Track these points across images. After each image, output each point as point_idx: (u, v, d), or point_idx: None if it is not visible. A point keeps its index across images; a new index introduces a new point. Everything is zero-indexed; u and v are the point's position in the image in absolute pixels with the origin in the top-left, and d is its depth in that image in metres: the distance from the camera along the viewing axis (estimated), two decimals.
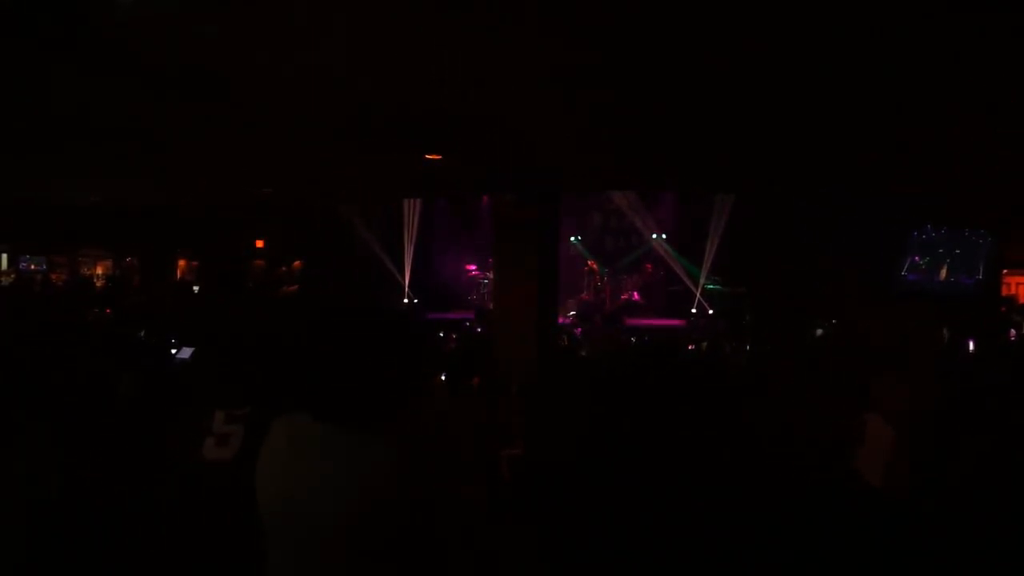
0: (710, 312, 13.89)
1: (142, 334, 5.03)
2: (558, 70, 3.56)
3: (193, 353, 4.78)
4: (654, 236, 15.24)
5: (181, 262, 15.56)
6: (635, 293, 15.38)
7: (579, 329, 11.71)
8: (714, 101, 4.20)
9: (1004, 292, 10.92)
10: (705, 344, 8.00)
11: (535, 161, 5.99)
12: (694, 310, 14.14)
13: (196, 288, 13.85)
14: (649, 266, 15.61)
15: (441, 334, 8.61)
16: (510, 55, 3.37)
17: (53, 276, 13.24)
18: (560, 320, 10.64)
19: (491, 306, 9.42)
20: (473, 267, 16.13)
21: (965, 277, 5.93)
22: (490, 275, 14.20)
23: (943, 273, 5.83)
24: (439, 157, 6.04)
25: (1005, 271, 10.79)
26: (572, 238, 15.61)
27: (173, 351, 4.95)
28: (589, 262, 15.52)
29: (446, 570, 1.46)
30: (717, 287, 14.15)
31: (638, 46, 3.23)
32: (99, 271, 14.82)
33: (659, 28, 3.01)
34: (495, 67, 3.57)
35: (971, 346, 7.33)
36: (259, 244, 15.82)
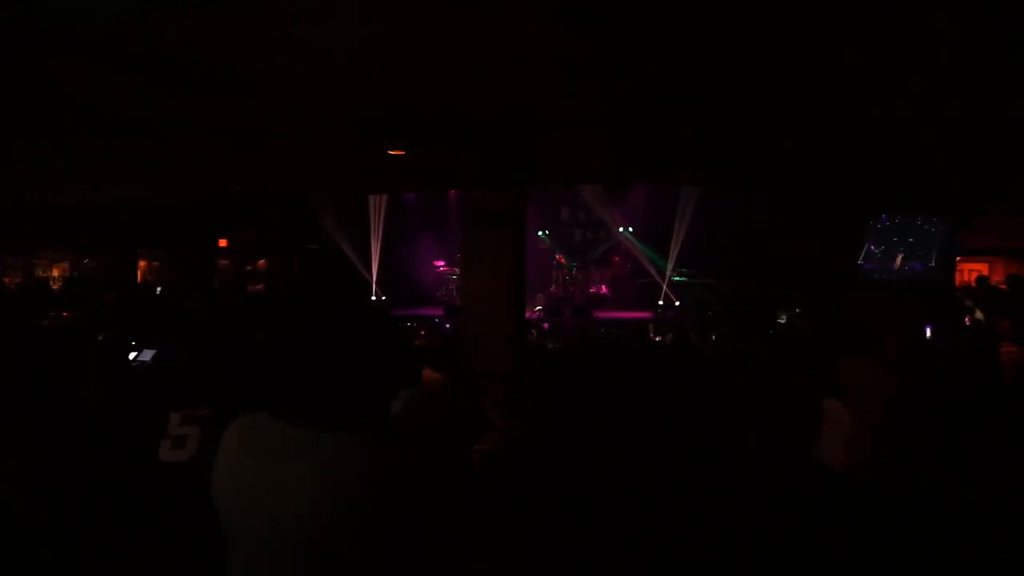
0: (677, 304, 14.08)
1: (101, 336, 4.92)
2: (530, 59, 3.56)
3: (155, 355, 4.70)
4: (621, 229, 15.37)
5: (142, 262, 15.24)
6: (603, 286, 15.50)
7: (547, 324, 11.77)
8: (687, 92, 4.23)
9: (958, 279, 11.28)
10: (671, 335, 8.11)
11: (504, 154, 6.00)
12: (661, 302, 14.31)
13: (159, 289, 13.57)
14: (617, 259, 15.75)
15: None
16: (478, 46, 3.37)
17: (6, 280, 12.85)
18: (528, 314, 10.68)
19: (459, 301, 9.40)
20: (442, 263, 16.08)
21: (919, 264, 6.12)
22: (459, 271, 14.19)
23: (898, 261, 6.01)
24: (402, 153, 6.01)
25: (958, 258, 11.13)
26: (540, 232, 15.67)
27: (134, 353, 4.85)
28: (557, 256, 15.60)
29: (422, 563, 1.45)
30: (684, 279, 14.34)
31: (615, 33, 3.24)
32: (55, 273, 14.43)
33: (637, 15, 3.03)
34: (466, 60, 3.57)
35: (928, 332, 7.54)
36: (222, 243, 15.57)
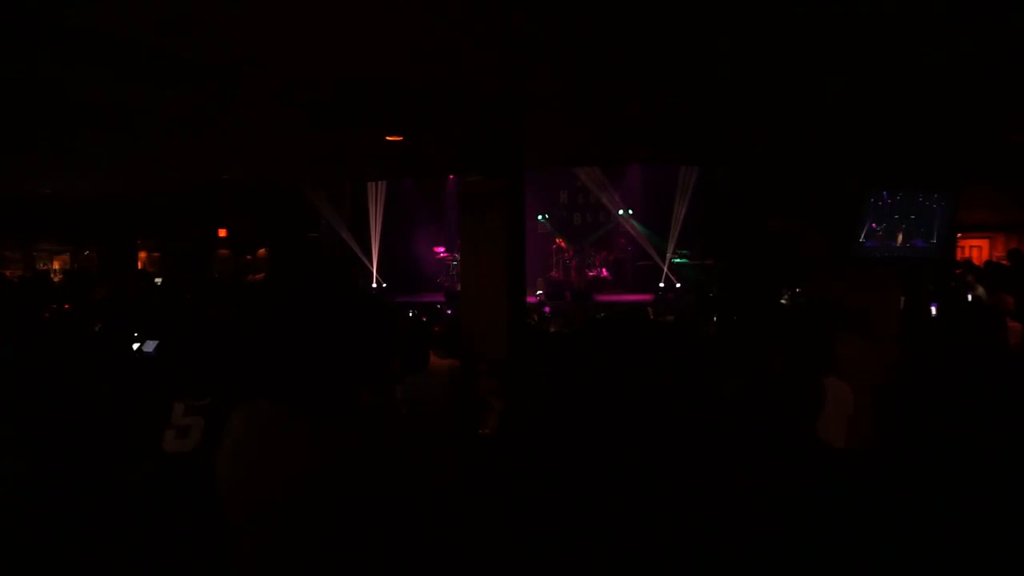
0: (678, 286, 14.05)
1: (99, 328, 4.91)
2: (522, 37, 3.52)
3: (157, 346, 4.70)
4: (621, 212, 15.31)
5: (142, 253, 15.21)
6: (603, 269, 15.47)
7: (548, 307, 11.76)
8: (678, 69, 4.19)
9: (959, 256, 11.23)
10: (672, 318, 8.09)
11: (497, 135, 5.95)
12: (662, 284, 14.28)
13: (159, 280, 13.56)
14: (621, 241, 15.72)
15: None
16: (469, 23, 3.32)
17: (7, 272, 12.84)
18: (529, 299, 10.65)
19: (459, 287, 9.38)
20: (441, 249, 16.04)
21: (921, 241, 6.10)
22: (459, 256, 14.14)
23: (900, 239, 5.99)
24: (401, 139, 5.97)
25: (959, 234, 11.09)
26: (540, 216, 15.61)
27: (136, 344, 4.85)
28: (557, 239, 15.56)
29: (421, 548, 1.45)
30: (684, 260, 14.30)
31: (600, 12, 3.20)
32: (56, 266, 14.42)
33: None
34: (455, 36, 3.52)
35: (933, 310, 7.53)
36: (222, 233, 15.52)
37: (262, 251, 16.08)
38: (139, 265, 15.00)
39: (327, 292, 1.46)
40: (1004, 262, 10.25)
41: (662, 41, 3.68)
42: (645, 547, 1.74)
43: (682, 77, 4.41)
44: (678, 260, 14.41)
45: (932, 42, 3.65)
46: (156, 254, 15.32)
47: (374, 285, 15.64)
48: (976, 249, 12.83)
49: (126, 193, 10.86)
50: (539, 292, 14.11)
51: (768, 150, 7.21)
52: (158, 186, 10.18)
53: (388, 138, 5.97)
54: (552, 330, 8.09)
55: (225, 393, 1.89)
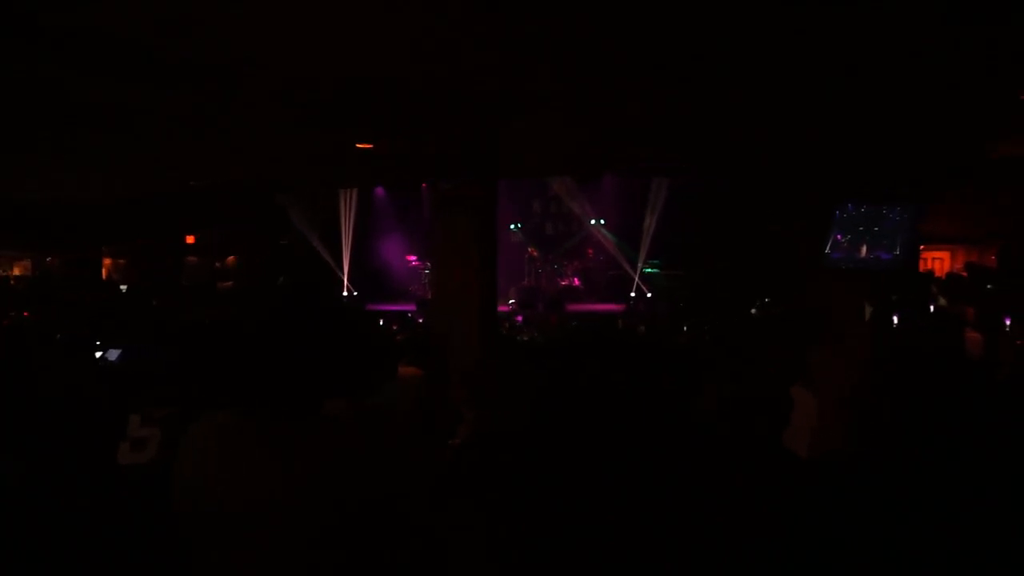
0: (648, 296, 14.18)
1: (60, 335, 4.80)
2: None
3: (120, 354, 4.60)
4: (593, 221, 15.42)
5: (106, 260, 14.91)
6: (575, 279, 15.55)
7: (520, 316, 11.77)
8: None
9: (921, 267, 11.50)
10: (643, 328, 8.15)
11: (466, 140, 5.90)
12: (633, 294, 14.40)
13: (124, 287, 13.31)
14: (589, 251, 15.83)
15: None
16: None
17: None
18: (501, 308, 10.65)
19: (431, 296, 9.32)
20: (413, 258, 15.99)
21: (884, 253, 6.26)
22: (430, 265, 14.10)
23: (864, 250, 6.14)
24: (371, 146, 5.93)
25: (922, 246, 11.35)
26: (512, 225, 15.64)
27: (99, 353, 4.74)
28: (529, 249, 15.61)
29: (399, 555, 1.44)
30: (655, 271, 14.45)
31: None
32: (16, 272, 14.06)
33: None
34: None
35: (895, 320, 7.70)
36: (190, 240, 15.30)
37: (231, 258, 15.88)
38: (104, 272, 14.70)
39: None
40: (963, 274, 10.52)
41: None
42: (641, 547, 1.74)
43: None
44: (649, 270, 14.56)
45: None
46: (121, 261, 15.03)
47: (344, 293, 15.51)
48: (938, 261, 13.12)
49: (98, 198, 10.61)
50: (511, 301, 14.12)
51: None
52: (128, 191, 9.96)
53: (359, 145, 5.92)
54: (524, 339, 8.10)
55: (187, 404, 1.85)
